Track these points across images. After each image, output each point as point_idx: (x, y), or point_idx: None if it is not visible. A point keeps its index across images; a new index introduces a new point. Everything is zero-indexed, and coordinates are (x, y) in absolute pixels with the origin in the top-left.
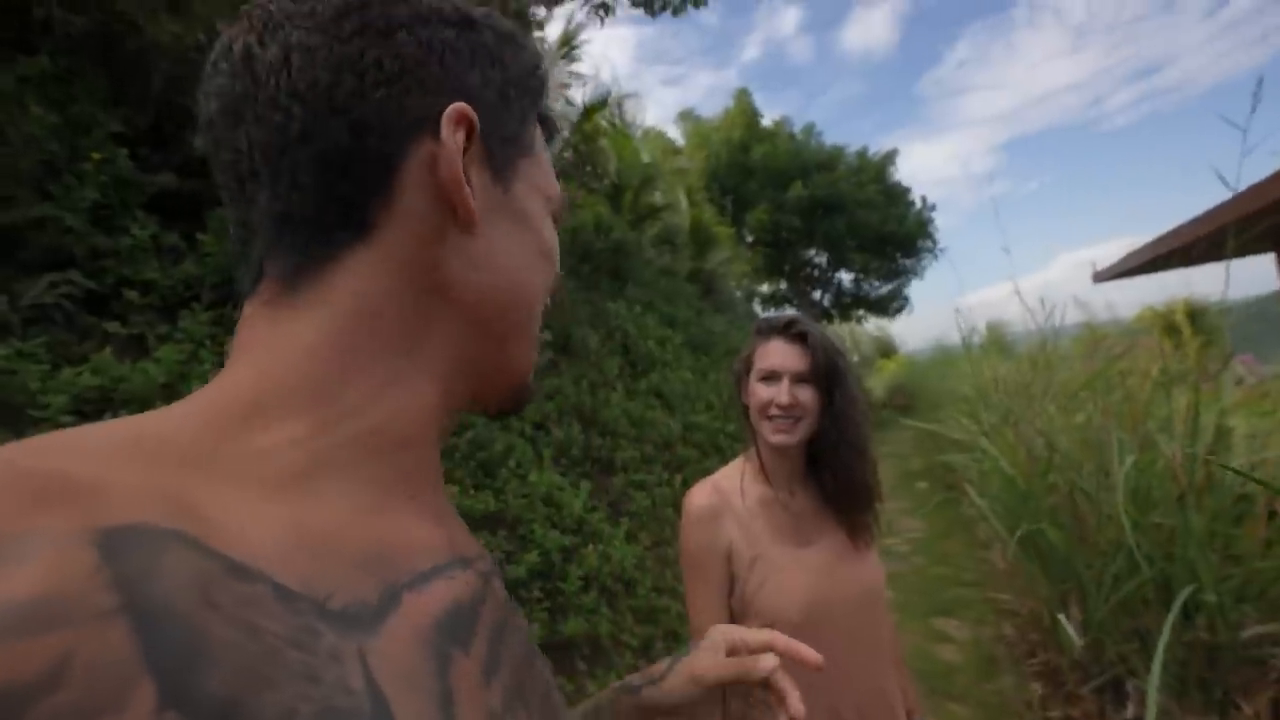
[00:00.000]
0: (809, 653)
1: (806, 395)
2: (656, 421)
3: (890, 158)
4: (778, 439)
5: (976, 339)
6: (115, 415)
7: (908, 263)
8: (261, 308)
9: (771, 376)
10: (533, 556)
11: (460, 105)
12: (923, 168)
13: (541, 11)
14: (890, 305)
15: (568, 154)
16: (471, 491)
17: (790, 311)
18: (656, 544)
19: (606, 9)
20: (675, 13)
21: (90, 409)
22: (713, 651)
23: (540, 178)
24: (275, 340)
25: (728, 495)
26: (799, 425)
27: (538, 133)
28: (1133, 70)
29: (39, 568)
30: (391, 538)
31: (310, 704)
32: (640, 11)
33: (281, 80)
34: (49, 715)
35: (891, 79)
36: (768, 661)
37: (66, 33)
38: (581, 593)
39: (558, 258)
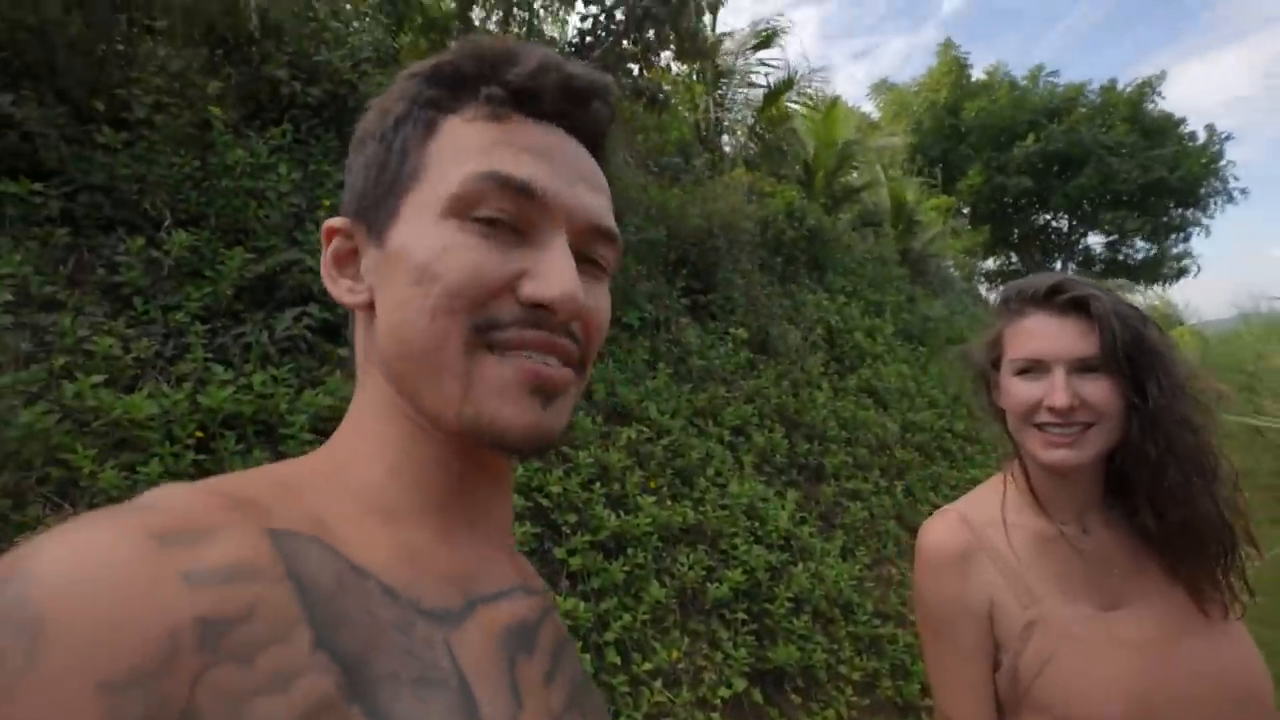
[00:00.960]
0: None
1: (1098, 391)
2: (870, 422)
3: (1150, 85)
4: (1054, 456)
5: None
6: None
7: (1188, 214)
8: (358, 370)
9: (1036, 367)
10: (737, 574)
11: (324, 226)
12: (1206, 90)
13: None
14: (1162, 269)
15: (753, 143)
16: (668, 502)
17: (1055, 272)
18: (876, 562)
19: None
20: None
21: (326, 426)
22: None
23: (428, 190)
24: (351, 416)
25: (983, 530)
26: (1088, 436)
27: (438, 139)
28: None
29: (234, 545)
30: (468, 564)
31: (410, 671)
32: None
33: None
34: (241, 639)
35: None
36: None
37: (305, 103)
38: (792, 616)
39: (454, 261)
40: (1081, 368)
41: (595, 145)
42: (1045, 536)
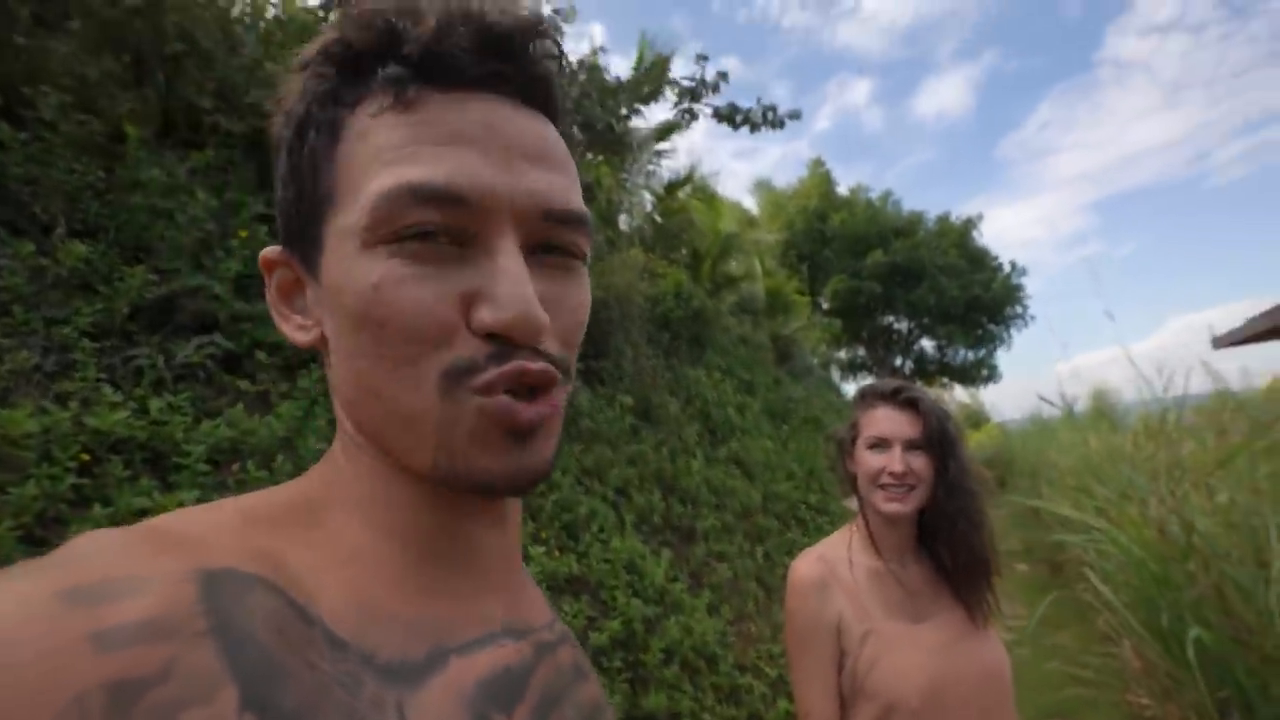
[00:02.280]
0: None
1: (919, 463)
2: (737, 490)
3: (973, 222)
4: (890, 508)
5: (1078, 407)
6: (244, 464)
7: (995, 329)
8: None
9: (881, 444)
10: (615, 625)
11: (261, 257)
12: (1007, 229)
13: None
14: (977, 373)
15: (647, 226)
16: (556, 553)
17: (894, 379)
18: (739, 619)
19: (692, 115)
20: (754, 129)
21: (223, 458)
22: None
23: (343, 214)
24: (333, 448)
25: (834, 566)
26: (912, 494)
27: (346, 145)
28: (1242, 123)
29: (153, 598)
30: (443, 607)
31: None
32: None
33: None
34: (156, 703)
35: (970, 144)
36: None
37: (228, 131)
38: (663, 666)
39: (395, 300)
40: (910, 445)
41: (543, 102)
42: (877, 571)
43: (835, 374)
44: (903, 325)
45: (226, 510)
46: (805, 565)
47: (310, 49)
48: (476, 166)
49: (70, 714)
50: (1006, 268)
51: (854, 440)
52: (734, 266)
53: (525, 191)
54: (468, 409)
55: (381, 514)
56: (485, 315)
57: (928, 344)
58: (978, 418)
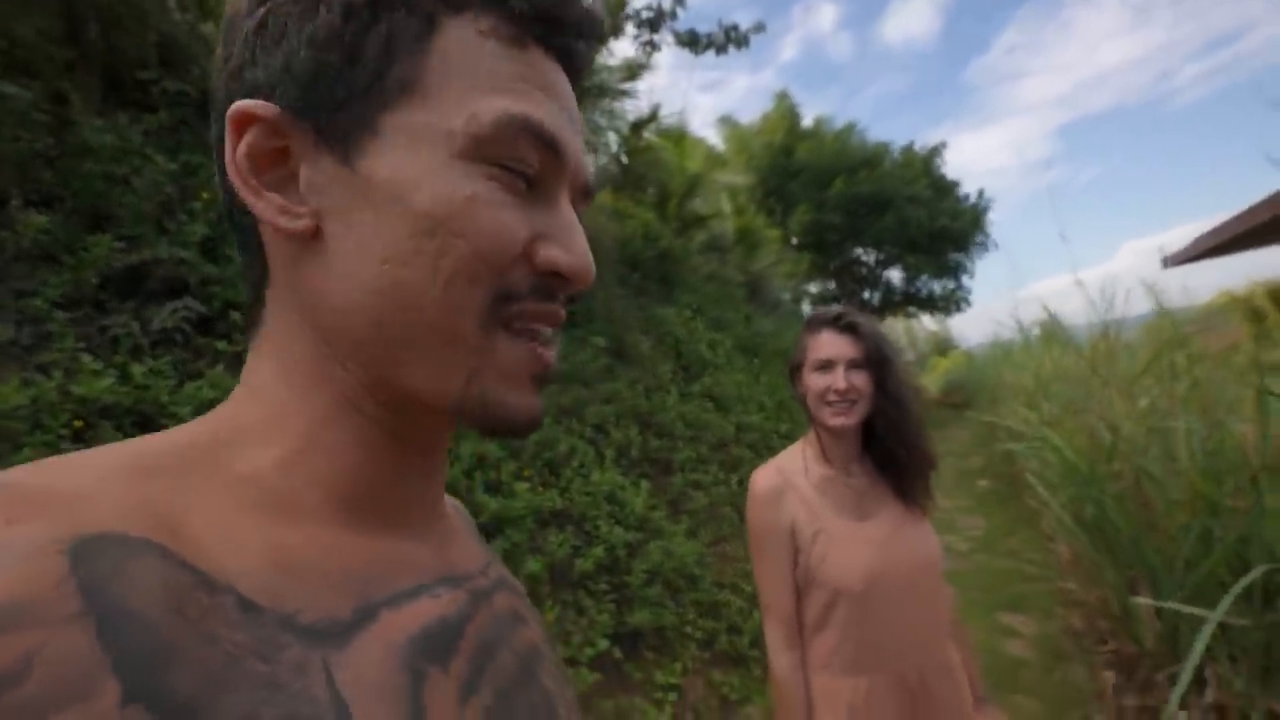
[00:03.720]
0: None
1: (860, 380)
2: (711, 423)
3: (937, 151)
4: (837, 422)
5: (1034, 331)
6: None
7: (961, 258)
8: (249, 349)
9: (826, 365)
10: (599, 551)
11: (234, 108)
12: (975, 157)
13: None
14: (945, 302)
15: (614, 167)
16: (539, 489)
17: (837, 306)
18: (716, 541)
19: (654, 45)
20: (719, 51)
21: None
22: None
23: (437, 113)
24: (248, 376)
25: (790, 475)
26: (855, 408)
27: (442, 48)
28: (1204, 42)
29: (7, 575)
30: (372, 558)
31: (272, 709)
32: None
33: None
34: (15, 704)
35: (936, 70)
36: None
37: (179, 91)
38: (646, 586)
39: (480, 218)
40: (852, 365)
41: (576, 79)
42: (828, 477)
43: (806, 308)
44: (870, 257)
45: (109, 456)
46: (763, 476)
47: None
48: (564, 124)
49: None
50: (973, 197)
51: (802, 364)
52: (701, 205)
53: (583, 163)
54: (501, 344)
55: (311, 459)
56: (557, 255)
57: (895, 275)
58: (945, 345)
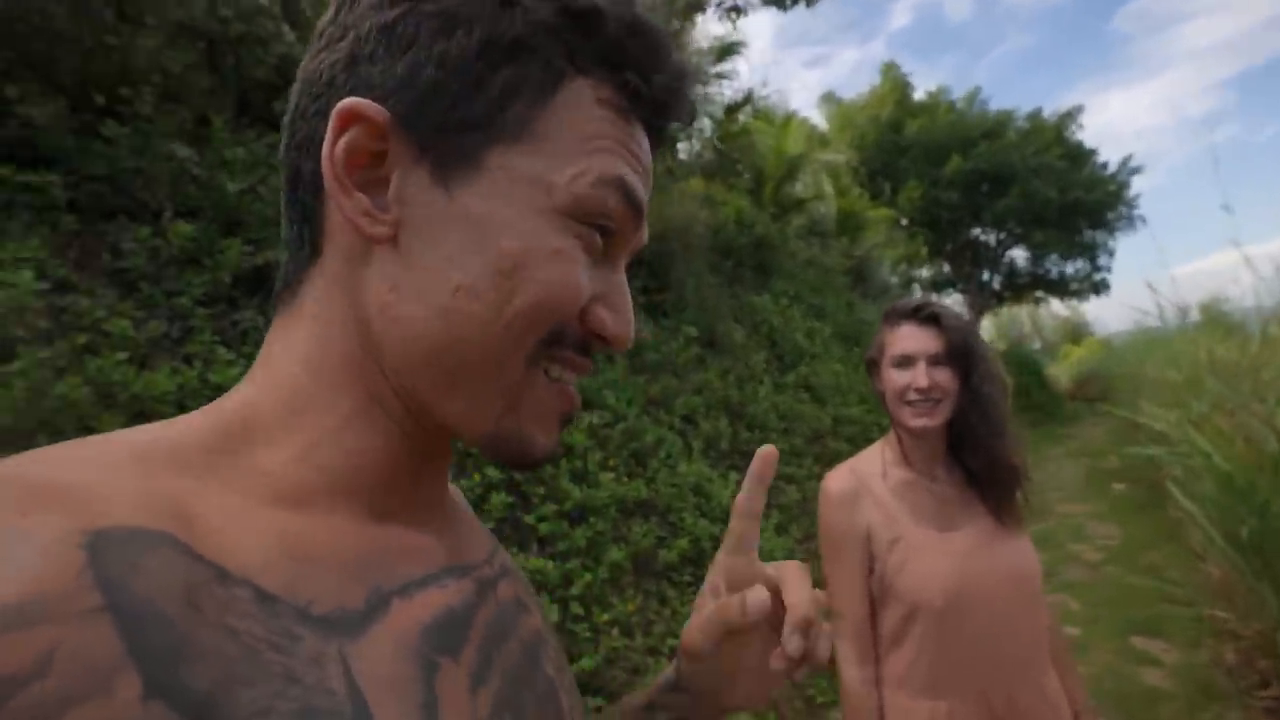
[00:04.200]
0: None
1: (944, 377)
2: (805, 414)
3: (1072, 116)
4: (918, 423)
5: (1190, 316)
6: None
7: (1098, 235)
8: (274, 323)
9: (906, 361)
10: (683, 543)
11: (346, 103)
12: (1121, 119)
13: (676, 25)
14: (1079, 284)
15: (707, 153)
16: (625, 479)
17: (919, 297)
18: (807, 538)
19: (738, 10)
20: (810, 3)
21: None
22: (700, 612)
23: (543, 164)
24: (271, 358)
25: (865, 478)
26: (939, 408)
27: (561, 103)
28: None
29: (25, 570)
30: (382, 548)
31: (288, 702)
32: (774, 8)
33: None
34: (35, 700)
35: (1074, 22)
36: (755, 596)
37: None
38: None
39: (557, 270)
40: (934, 361)
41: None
42: (909, 481)
43: (917, 293)
44: (990, 237)
45: (116, 446)
46: (837, 479)
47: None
48: (645, 192)
49: None
50: (1113, 165)
51: (880, 359)
52: (800, 188)
53: (645, 233)
54: (539, 383)
55: (332, 454)
56: (607, 320)
57: (1020, 255)
58: (1078, 332)
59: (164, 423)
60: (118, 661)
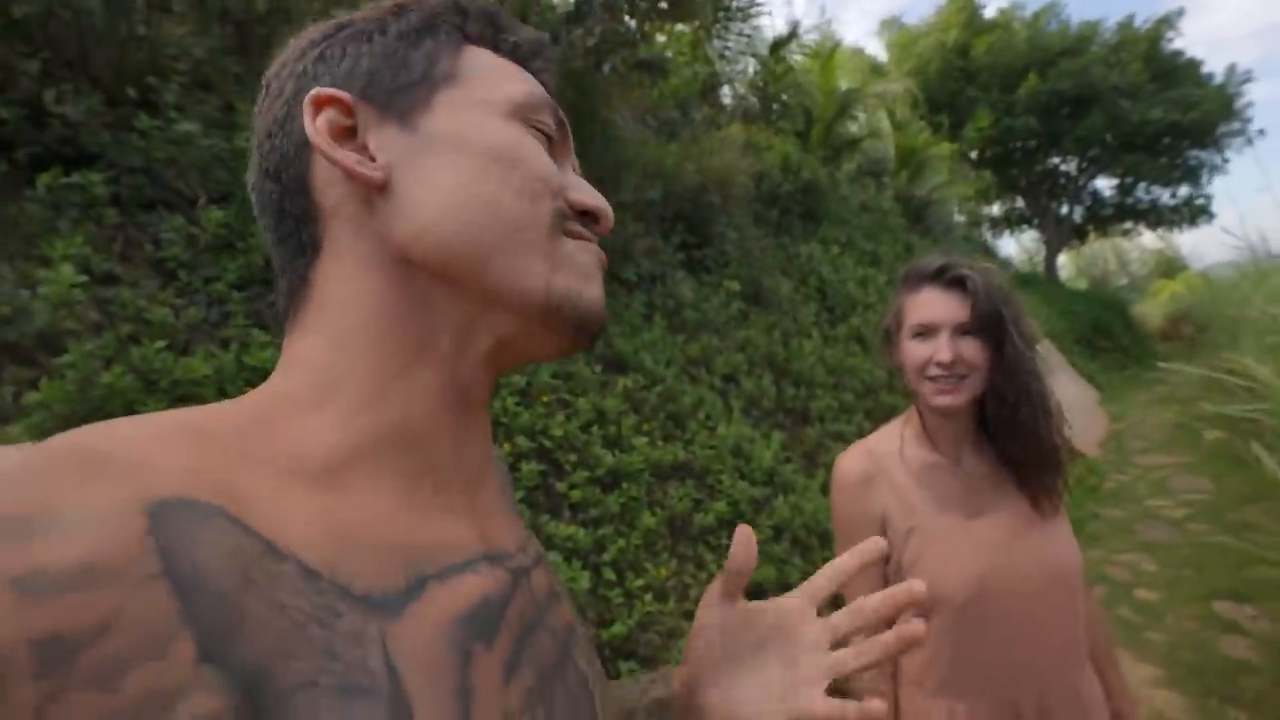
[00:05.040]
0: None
1: (970, 349)
2: (857, 368)
3: (1169, 22)
4: (942, 401)
5: None
6: None
7: (1202, 156)
8: (288, 337)
9: (927, 331)
10: (722, 505)
11: (315, 91)
12: (1231, 21)
13: None
14: (1176, 212)
15: (752, 96)
16: (660, 443)
17: (942, 255)
18: None
19: None
20: None
21: None
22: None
23: (479, 92)
24: (294, 353)
25: (882, 459)
26: (965, 384)
27: (470, 57)
28: None
29: (89, 533)
30: (420, 530)
31: (330, 677)
32: None
33: (252, 152)
34: (99, 659)
35: None
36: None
37: None
38: (772, 542)
39: (531, 152)
40: (960, 331)
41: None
42: (931, 464)
43: (986, 232)
44: (1071, 166)
45: (167, 425)
46: (850, 460)
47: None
48: (555, 104)
49: None
50: (1219, 76)
51: (899, 328)
52: (854, 127)
53: (570, 143)
54: (568, 244)
55: (373, 416)
56: (587, 197)
57: (1105, 185)
58: (1171, 266)
59: (206, 406)
60: (174, 627)
